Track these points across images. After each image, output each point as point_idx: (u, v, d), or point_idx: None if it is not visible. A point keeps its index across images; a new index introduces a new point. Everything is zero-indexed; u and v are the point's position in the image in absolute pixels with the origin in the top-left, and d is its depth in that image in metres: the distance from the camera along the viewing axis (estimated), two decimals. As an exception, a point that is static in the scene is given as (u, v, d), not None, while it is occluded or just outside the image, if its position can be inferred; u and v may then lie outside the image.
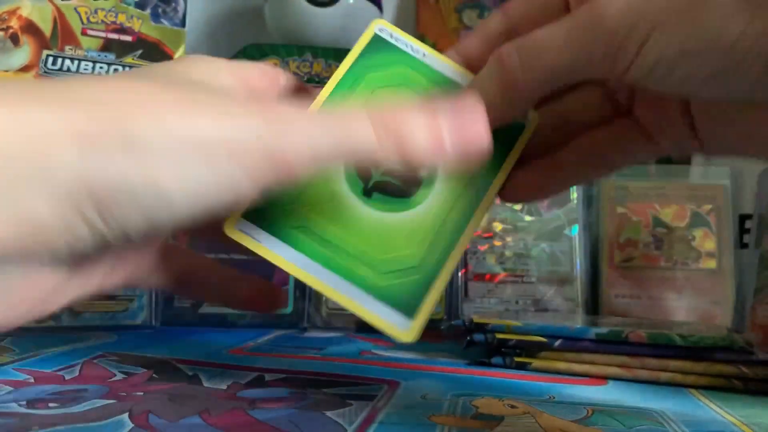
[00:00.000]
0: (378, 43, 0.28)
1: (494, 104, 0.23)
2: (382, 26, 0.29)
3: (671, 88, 0.22)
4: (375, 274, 0.25)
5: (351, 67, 0.28)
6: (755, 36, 0.19)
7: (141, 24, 0.58)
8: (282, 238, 0.25)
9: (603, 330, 0.37)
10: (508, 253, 0.56)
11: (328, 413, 0.25)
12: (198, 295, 0.38)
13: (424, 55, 0.29)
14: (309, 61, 0.60)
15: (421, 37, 0.74)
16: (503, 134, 0.27)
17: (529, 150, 0.27)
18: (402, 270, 0.25)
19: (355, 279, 0.25)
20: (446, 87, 0.28)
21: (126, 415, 0.25)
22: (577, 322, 0.42)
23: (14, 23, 0.53)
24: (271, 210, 0.25)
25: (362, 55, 0.28)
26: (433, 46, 0.75)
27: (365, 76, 0.28)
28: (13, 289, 0.22)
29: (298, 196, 0.26)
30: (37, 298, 0.23)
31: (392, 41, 0.29)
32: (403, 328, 0.24)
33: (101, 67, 0.56)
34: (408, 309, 0.25)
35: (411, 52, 0.29)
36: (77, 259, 0.23)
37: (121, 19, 0.57)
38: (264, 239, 0.25)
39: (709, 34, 0.20)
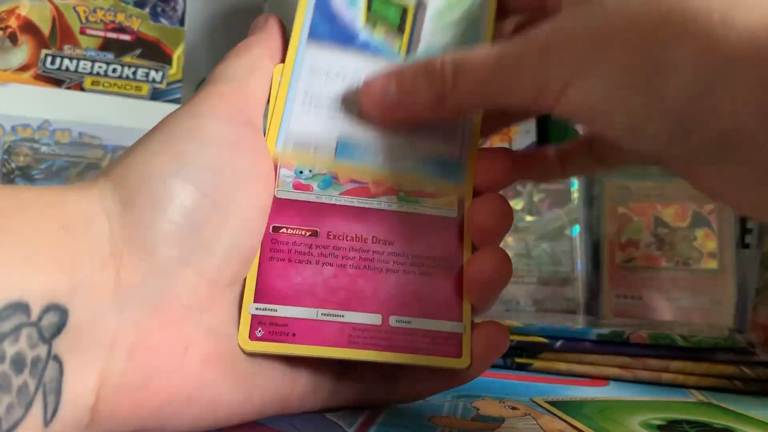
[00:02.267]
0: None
1: (422, 105, 0.25)
2: None
3: (591, 129, 0.22)
4: None
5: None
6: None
7: (140, 23, 0.58)
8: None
9: (604, 331, 0.37)
10: (508, 253, 0.56)
11: (328, 415, 0.25)
12: None
13: None
14: (309, 61, 0.60)
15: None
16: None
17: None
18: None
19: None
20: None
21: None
22: (578, 322, 0.42)
23: (13, 22, 0.53)
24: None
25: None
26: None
27: None
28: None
29: None
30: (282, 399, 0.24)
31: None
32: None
33: (100, 66, 0.56)
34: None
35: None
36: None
37: (120, 18, 0.57)
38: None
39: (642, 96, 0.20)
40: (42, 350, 0.18)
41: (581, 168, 0.29)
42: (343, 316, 0.24)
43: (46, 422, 0.18)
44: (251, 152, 0.24)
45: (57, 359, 0.18)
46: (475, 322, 0.26)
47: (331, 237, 0.25)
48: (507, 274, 0.25)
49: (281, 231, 0.25)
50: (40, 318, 0.18)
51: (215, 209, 0.22)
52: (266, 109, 0.26)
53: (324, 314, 0.24)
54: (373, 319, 0.24)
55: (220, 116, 0.23)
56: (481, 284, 0.25)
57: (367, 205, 0.26)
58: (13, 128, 0.51)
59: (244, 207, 0.23)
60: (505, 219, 0.26)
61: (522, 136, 0.63)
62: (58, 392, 0.18)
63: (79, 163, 0.53)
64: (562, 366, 0.37)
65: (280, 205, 0.25)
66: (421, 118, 0.25)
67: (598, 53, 0.20)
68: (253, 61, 0.26)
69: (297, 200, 0.25)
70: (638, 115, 0.20)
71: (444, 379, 0.26)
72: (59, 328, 0.18)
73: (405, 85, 0.25)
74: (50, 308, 0.18)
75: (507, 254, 0.25)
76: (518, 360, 0.38)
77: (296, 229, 0.25)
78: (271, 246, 0.25)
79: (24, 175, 0.51)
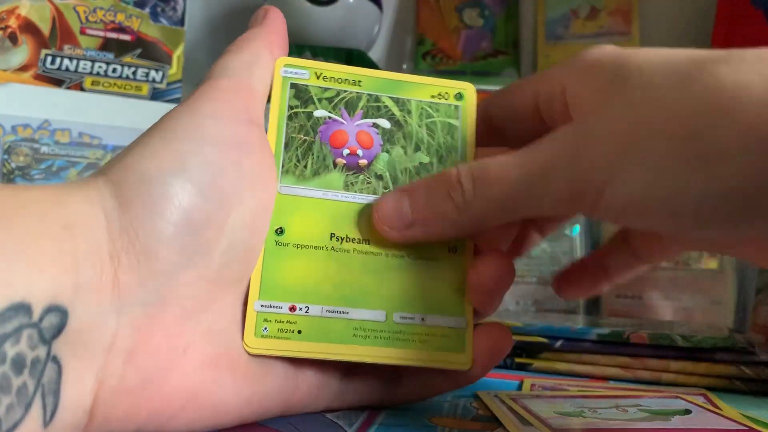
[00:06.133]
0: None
1: (441, 221, 0.24)
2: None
3: (637, 226, 0.22)
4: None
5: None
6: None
7: (140, 23, 0.58)
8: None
9: (604, 331, 0.37)
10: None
11: (328, 415, 0.25)
12: None
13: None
14: (309, 61, 0.60)
15: (421, 37, 0.73)
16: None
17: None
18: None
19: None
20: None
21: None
22: (578, 322, 0.42)
23: (13, 22, 0.53)
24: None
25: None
26: (433, 45, 0.75)
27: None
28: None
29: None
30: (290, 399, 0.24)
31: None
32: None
33: (100, 66, 0.56)
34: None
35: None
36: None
37: (120, 18, 0.57)
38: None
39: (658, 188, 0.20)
40: (42, 351, 0.18)
41: (623, 268, 0.29)
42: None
43: (45, 423, 0.18)
44: (252, 151, 0.24)
45: (56, 360, 0.18)
46: (477, 324, 0.26)
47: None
48: (509, 279, 0.25)
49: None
50: (41, 319, 0.17)
51: (216, 210, 0.22)
52: (267, 106, 0.26)
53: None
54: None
55: (219, 114, 0.23)
56: (483, 289, 0.25)
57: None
58: (13, 128, 0.51)
59: (245, 207, 0.23)
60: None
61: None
62: (56, 393, 0.18)
63: (79, 163, 0.53)
64: (562, 366, 0.37)
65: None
66: (440, 234, 0.25)
67: (636, 149, 0.20)
68: (253, 55, 0.26)
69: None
70: (693, 202, 0.19)
71: (447, 379, 0.26)
72: (59, 329, 0.18)
73: (419, 202, 0.24)
74: (51, 309, 0.18)
75: (510, 260, 0.25)
76: (518, 360, 0.38)
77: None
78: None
79: (24, 175, 0.51)
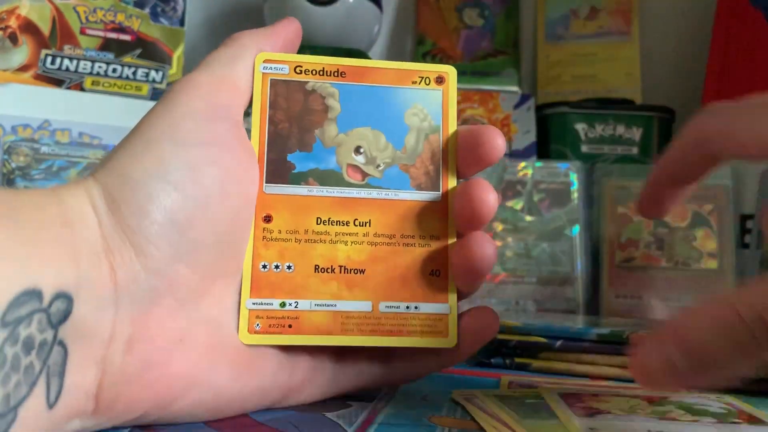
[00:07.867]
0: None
1: (722, 368, 0.20)
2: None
3: None
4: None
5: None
6: None
7: (140, 23, 0.58)
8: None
9: (604, 331, 0.37)
10: (508, 253, 0.56)
11: (328, 414, 0.25)
12: None
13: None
14: (309, 61, 0.60)
15: (421, 37, 0.73)
16: None
17: None
18: None
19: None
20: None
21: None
22: (578, 322, 0.42)
23: (13, 22, 0.53)
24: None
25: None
26: (433, 45, 0.75)
27: None
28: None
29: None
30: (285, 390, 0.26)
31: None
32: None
33: (100, 66, 0.56)
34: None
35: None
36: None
37: (120, 18, 0.57)
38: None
39: None
40: (49, 335, 0.19)
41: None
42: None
43: (50, 404, 0.19)
44: (230, 147, 0.24)
45: (62, 344, 0.19)
46: (467, 307, 0.27)
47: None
48: (491, 259, 0.26)
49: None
50: (50, 304, 0.19)
51: (198, 208, 0.23)
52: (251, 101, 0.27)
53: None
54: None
55: (196, 112, 0.24)
56: (466, 270, 0.26)
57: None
58: (13, 128, 0.51)
59: (227, 202, 0.24)
60: (489, 205, 0.26)
61: (522, 135, 0.63)
62: (61, 375, 0.19)
63: (79, 163, 0.53)
64: (562, 366, 0.37)
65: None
66: (724, 381, 0.20)
67: None
68: (239, 50, 0.26)
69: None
70: None
71: (437, 359, 0.27)
72: (65, 315, 0.19)
73: (694, 353, 0.19)
74: (59, 296, 0.19)
75: (491, 239, 0.26)
76: (518, 360, 0.38)
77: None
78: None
79: (24, 175, 0.51)
